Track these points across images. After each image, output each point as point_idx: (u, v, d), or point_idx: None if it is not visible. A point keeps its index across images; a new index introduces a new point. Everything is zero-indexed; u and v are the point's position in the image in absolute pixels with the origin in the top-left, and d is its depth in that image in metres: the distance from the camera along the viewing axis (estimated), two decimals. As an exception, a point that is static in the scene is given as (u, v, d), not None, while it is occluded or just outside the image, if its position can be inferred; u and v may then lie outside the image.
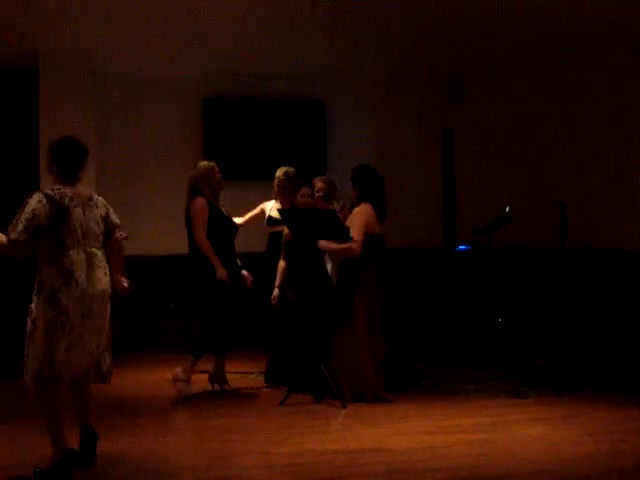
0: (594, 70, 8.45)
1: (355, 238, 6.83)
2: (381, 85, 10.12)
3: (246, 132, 9.65)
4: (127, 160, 9.47)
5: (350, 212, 7.17)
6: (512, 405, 6.77)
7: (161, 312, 9.38)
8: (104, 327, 5.18)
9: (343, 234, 6.88)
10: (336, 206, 7.36)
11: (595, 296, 8.05)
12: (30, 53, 8.79)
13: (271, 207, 7.76)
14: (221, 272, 6.85)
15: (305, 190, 7.39)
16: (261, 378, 7.62)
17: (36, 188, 8.70)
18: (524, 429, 6.10)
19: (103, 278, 5.09)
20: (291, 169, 7.70)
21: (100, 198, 5.22)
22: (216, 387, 7.28)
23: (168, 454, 5.59)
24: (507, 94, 9.64)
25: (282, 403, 6.75)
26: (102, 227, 5.13)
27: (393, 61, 9.73)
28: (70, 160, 5.11)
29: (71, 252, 4.94)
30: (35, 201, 4.96)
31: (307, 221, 6.95)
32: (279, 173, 7.65)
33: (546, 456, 5.43)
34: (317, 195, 7.43)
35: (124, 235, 5.31)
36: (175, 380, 7.04)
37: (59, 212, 4.93)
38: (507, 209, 7.82)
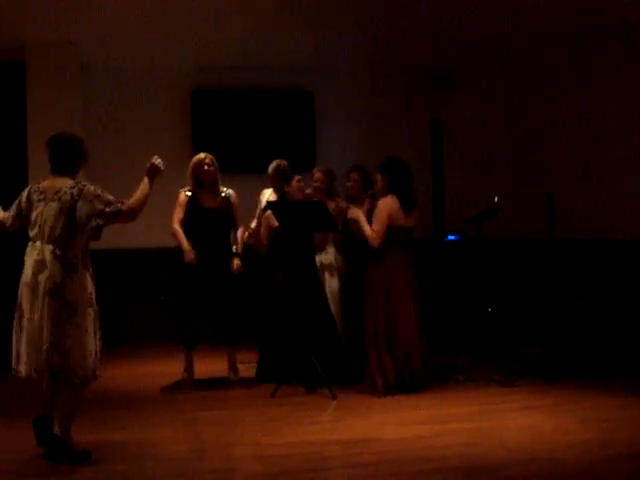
0: (582, 61, 8.45)
1: (375, 229, 6.80)
2: (370, 76, 10.11)
3: (235, 124, 9.63)
4: (115, 153, 9.44)
5: (372, 203, 7.17)
6: (502, 394, 6.80)
7: (150, 305, 9.36)
8: (46, 323, 5.06)
9: (332, 225, 6.89)
10: (343, 204, 7.34)
11: (583, 285, 8.08)
12: (16, 46, 8.74)
13: (268, 196, 7.76)
14: (188, 255, 7.00)
15: (300, 176, 7.45)
16: (253, 368, 7.58)
17: (24, 182, 8.81)
18: (514, 418, 6.13)
19: (41, 275, 5.08)
20: (282, 163, 7.69)
21: (72, 190, 5.18)
22: (232, 376, 7.35)
23: (159, 446, 5.60)
24: (496, 84, 9.64)
25: (273, 395, 6.76)
26: (64, 220, 5.13)
27: (382, 52, 9.71)
28: (51, 155, 5.33)
29: (30, 243, 5.20)
30: (22, 194, 5.38)
31: (296, 212, 6.96)
32: (269, 168, 7.69)
33: (536, 444, 5.46)
34: (315, 185, 7.42)
35: (112, 215, 5.26)
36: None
37: (27, 206, 5.28)
38: (495, 199, 7.84)
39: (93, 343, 5.20)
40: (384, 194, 6.93)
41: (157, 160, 5.52)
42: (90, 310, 5.21)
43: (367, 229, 6.86)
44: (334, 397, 6.65)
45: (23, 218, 5.32)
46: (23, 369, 5.16)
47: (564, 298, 7.70)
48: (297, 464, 5.13)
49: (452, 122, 9.81)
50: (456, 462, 5.13)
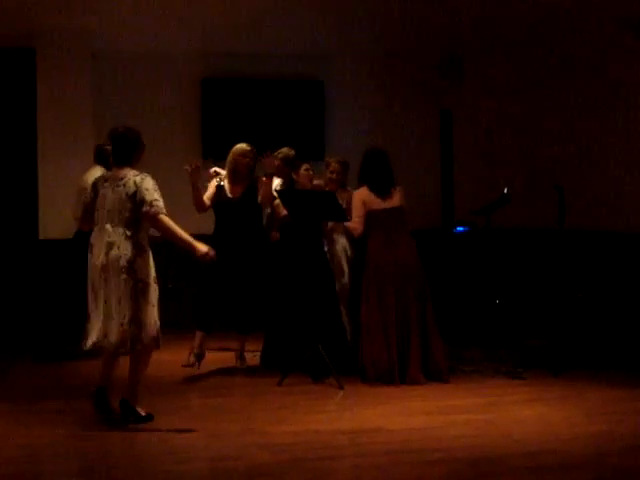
0: (595, 50, 8.41)
1: (351, 219, 7.01)
2: (380, 66, 10.08)
3: (244, 113, 9.62)
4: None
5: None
6: (509, 386, 6.80)
7: (159, 292, 9.37)
8: (121, 299, 5.55)
9: (341, 215, 6.92)
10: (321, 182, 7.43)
11: (592, 278, 8.06)
12: (27, 32, 8.75)
13: (276, 185, 7.73)
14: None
15: (308, 165, 7.44)
16: (255, 356, 7.59)
17: (34, 169, 8.85)
18: (521, 410, 6.13)
19: (111, 254, 5.55)
20: (287, 152, 7.64)
21: (135, 178, 5.64)
22: (239, 365, 7.39)
23: (165, 434, 5.61)
24: (506, 75, 9.60)
25: (280, 383, 6.76)
26: (129, 204, 5.58)
27: (392, 42, 9.69)
28: (112, 148, 5.86)
29: (95, 227, 5.69)
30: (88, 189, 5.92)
31: (305, 202, 6.96)
32: (275, 158, 7.63)
33: (542, 436, 5.46)
34: (330, 176, 7.43)
35: (150, 211, 5.58)
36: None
37: (93, 196, 5.75)
38: (506, 190, 7.82)
39: (157, 316, 5.70)
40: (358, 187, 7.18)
41: (210, 254, 5.78)
42: (155, 286, 5.72)
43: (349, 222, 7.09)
44: (341, 387, 6.65)
45: (91, 211, 5.77)
46: (91, 341, 5.65)
47: (572, 290, 7.69)
48: (304, 453, 5.14)
49: (462, 113, 9.78)
50: (463, 453, 5.13)
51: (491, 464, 4.97)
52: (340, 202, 6.98)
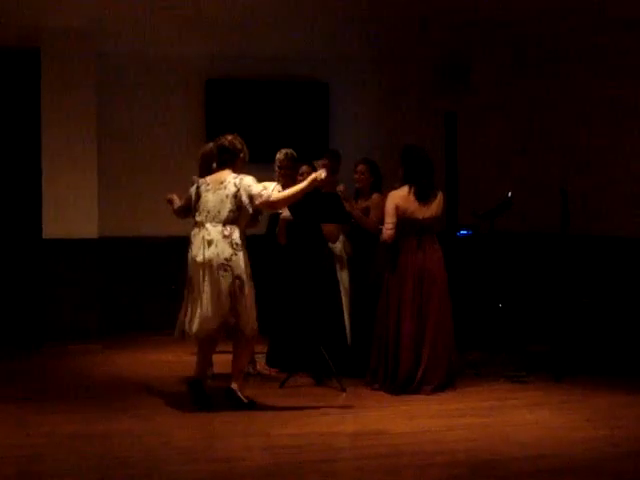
0: (600, 54, 8.41)
1: (385, 222, 6.73)
2: (385, 68, 10.08)
3: (249, 114, 9.62)
4: (129, 140, 9.45)
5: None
6: (511, 390, 6.80)
7: (163, 293, 9.39)
8: (221, 294, 6.00)
9: (345, 217, 6.87)
10: (341, 187, 7.31)
11: (596, 282, 8.06)
12: (32, 32, 8.75)
13: (272, 188, 7.70)
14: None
15: (305, 169, 7.38)
16: (263, 360, 7.59)
17: (37, 168, 8.86)
18: (523, 414, 6.13)
19: (209, 251, 6.02)
20: (290, 150, 7.63)
21: (234, 180, 6.15)
22: (250, 370, 7.25)
23: (168, 435, 5.62)
24: (511, 78, 9.60)
25: (282, 385, 6.77)
26: (229, 205, 6.09)
27: (397, 44, 9.69)
28: (218, 154, 6.34)
29: (195, 228, 6.18)
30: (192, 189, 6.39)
31: (309, 203, 6.93)
32: (280, 155, 7.56)
33: (544, 441, 5.46)
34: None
35: (263, 200, 6.09)
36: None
37: (197, 195, 6.26)
38: (509, 194, 7.81)
39: (255, 309, 6.15)
40: (401, 185, 6.86)
41: (322, 175, 6.13)
42: (251, 283, 6.14)
43: (367, 222, 6.98)
44: (343, 389, 6.66)
45: (190, 209, 6.33)
46: (193, 330, 6.08)
47: (576, 295, 7.68)
48: (306, 455, 5.15)
49: (466, 115, 9.78)
50: (465, 456, 5.14)
51: (492, 468, 4.97)
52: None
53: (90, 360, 8.12)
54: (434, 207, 6.80)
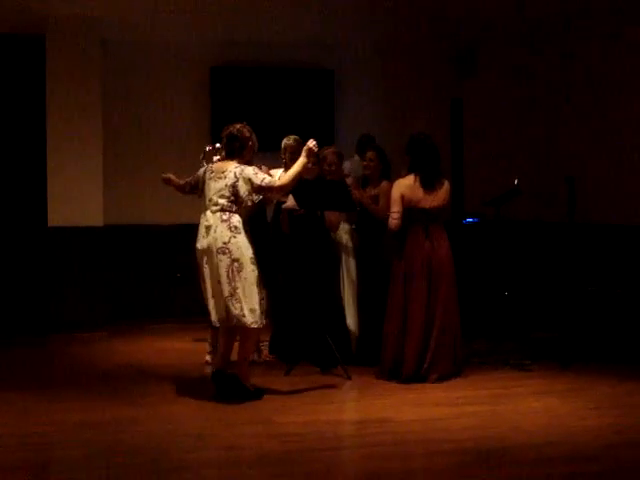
0: (607, 43, 8.36)
1: (390, 211, 6.71)
2: (390, 55, 10.04)
3: (254, 101, 9.60)
4: (134, 128, 9.45)
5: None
6: (517, 378, 6.80)
7: (168, 281, 9.40)
8: (220, 279, 6.01)
9: (350, 205, 6.86)
10: (349, 180, 7.29)
11: (602, 270, 8.04)
12: (37, 19, 8.73)
13: (279, 176, 7.68)
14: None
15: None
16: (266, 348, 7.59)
17: (43, 155, 8.86)
18: (529, 402, 6.12)
19: (209, 237, 6.07)
20: (297, 137, 7.60)
21: (235, 170, 6.16)
22: (256, 358, 7.21)
23: (174, 422, 5.64)
24: (517, 65, 9.56)
25: (287, 373, 6.77)
26: (227, 193, 6.12)
27: (403, 30, 9.65)
28: (226, 143, 6.35)
29: (202, 214, 6.22)
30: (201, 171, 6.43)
31: (314, 191, 6.92)
32: (289, 140, 7.51)
33: (550, 429, 5.46)
34: (328, 169, 7.32)
35: (266, 190, 6.17)
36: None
37: (202, 182, 6.32)
38: (516, 182, 7.78)
39: (258, 296, 6.09)
40: (407, 174, 6.83)
41: (312, 143, 6.25)
42: (254, 267, 6.10)
43: (377, 210, 6.94)
44: (348, 377, 6.65)
45: (196, 188, 6.39)
46: (213, 319, 6.17)
47: (582, 283, 7.66)
48: (312, 443, 5.15)
49: (473, 102, 9.74)
50: (471, 444, 5.14)
51: (498, 455, 4.97)
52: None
53: (96, 348, 8.14)
54: (440, 196, 6.77)
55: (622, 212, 8.09)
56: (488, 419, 5.66)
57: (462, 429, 5.43)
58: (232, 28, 9.28)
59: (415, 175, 6.76)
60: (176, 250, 9.21)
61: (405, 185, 6.73)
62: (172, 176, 6.58)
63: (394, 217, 6.69)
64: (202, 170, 6.43)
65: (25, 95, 9.27)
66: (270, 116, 9.48)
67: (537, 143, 9.31)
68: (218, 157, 6.66)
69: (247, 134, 6.36)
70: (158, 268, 9.45)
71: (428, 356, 6.63)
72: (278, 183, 6.24)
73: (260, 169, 6.81)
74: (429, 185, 6.73)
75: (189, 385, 6.54)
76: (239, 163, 6.25)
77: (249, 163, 6.87)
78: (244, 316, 6.02)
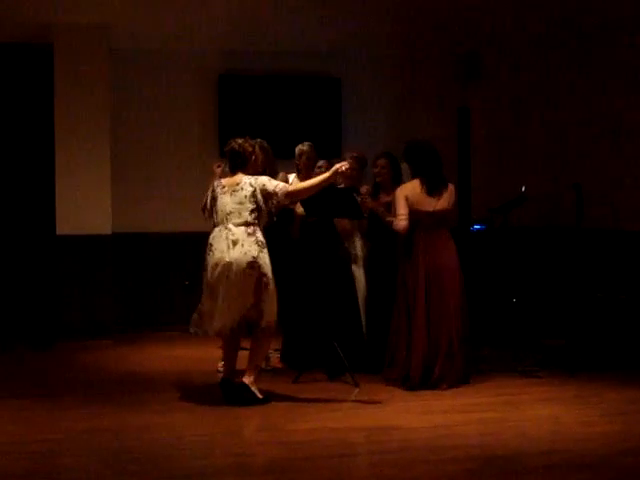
0: (615, 49, 8.36)
1: (397, 214, 6.72)
2: (397, 63, 10.05)
3: (261, 109, 9.62)
4: (142, 136, 9.47)
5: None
6: (525, 385, 6.78)
7: (176, 289, 9.41)
8: (245, 292, 6.07)
9: (358, 213, 6.86)
10: (364, 189, 7.31)
11: (610, 277, 8.02)
12: (45, 28, 8.78)
13: (292, 181, 7.70)
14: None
15: (322, 163, 7.39)
16: (277, 355, 7.58)
17: (51, 164, 8.89)
18: (536, 409, 6.11)
19: (236, 251, 6.09)
20: (310, 143, 7.64)
21: (249, 180, 6.23)
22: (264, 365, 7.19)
23: (182, 430, 5.64)
24: (524, 72, 9.56)
25: (295, 381, 6.77)
26: (249, 205, 6.17)
27: (410, 39, 9.67)
28: (228, 157, 6.39)
29: (216, 228, 6.25)
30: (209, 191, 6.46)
31: (322, 198, 6.92)
32: (304, 147, 7.54)
33: (558, 436, 5.45)
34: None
35: (279, 196, 6.18)
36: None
37: (212, 198, 6.35)
38: (523, 188, 7.78)
39: (276, 306, 6.24)
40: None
41: (345, 167, 6.18)
42: (274, 279, 6.23)
43: (387, 217, 6.89)
44: (356, 384, 6.65)
45: (208, 210, 6.42)
46: (214, 328, 6.20)
47: (590, 289, 7.65)
48: (319, 450, 5.15)
49: (479, 110, 9.75)
50: (478, 451, 5.13)
51: (506, 463, 4.96)
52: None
53: (103, 356, 8.15)
54: (445, 199, 6.77)
55: (630, 218, 8.07)
56: (495, 426, 5.64)
57: (469, 436, 5.42)
58: (240, 36, 9.31)
59: (419, 180, 6.77)
60: (184, 258, 9.24)
61: (409, 188, 6.77)
62: (218, 171, 6.61)
63: (400, 219, 6.69)
64: (209, 191, 6.42)
65: (33, 104, 9.32)
66: (277, 124, 9.50)
67: (544, 150, 9.30)
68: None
69: (249, 149, 6.39)
70: (166, 276, 9.47)
71: (438, 365, 6.61)
72: (291, 189, 6.29)
73: (278, 175, 6.92)
74: (433, 189, 6.75)
75: (197, 392, 6.55)
76: (245, 175, 6.29)
77: (273, 173, 6.99)
78: (261, 323, 6.11)
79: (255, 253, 6.10)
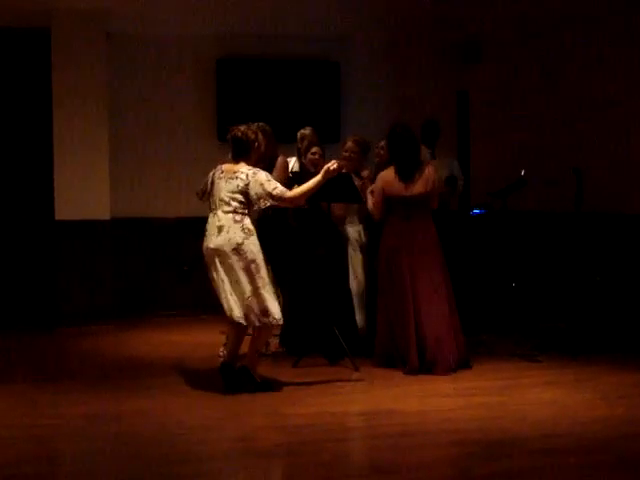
0: (613, 36, 8.32)
1: (371, 202, 6.88)
2: (396, 47, 10.01)
3: (259, 93, 9.58)
4: (140, 121, 9.43)
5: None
6: (525, 369, 6.78)
7: (175, 274, 9.39)
8: (238, 278, 6.02)
9: (356, 197, 6.86)
10: (365, 173, 7.31)
11: (609, 261, 8.01)
12: (43, 13, 8.73)
13: (292, 166, 7.68)
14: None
15: (317, 149, 7.37)
16: (277, 340, 7.57)
17: (49, 149, 8.86)
18: (537, 393, 6.11)
19: (220, 237, 6.04)
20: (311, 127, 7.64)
21: (248, 172, 6.14)
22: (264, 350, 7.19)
23: (182, 414, 5.63)
24: (523, 56, 9.52)
25: (295, 365, 6.77)
26: (238, 195, 6.11)
27: (409, 22, 9.63)
28: (232, 145, 6.31)
29: (210, 214, 6.22)
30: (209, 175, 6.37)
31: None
32: (307, 131, 7.54)
33: (559, 419, 5.45)
34: (344, 155, 7.34)
35: (276, 199, 6.09)
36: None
37: (212, 182, 6.28)
38: (522, 172, 7.76)
39: (274, 294, 6.19)
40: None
41: (334, 166, 6.15)
42: (267, 267, 6.16)
43: (369, 203, 6.96)
44: (356, 368, 6.65)
45: (207, 193, 6.32)
46: (238, 314, 6.07)
47: (589, 273, 7.64)
48: (319, 434, 5.14)
49: (478, 94, 9.72)
50: (478, 435, 5.12)
51: (506, 446, 4.96)
52: (356, 184, 6.92)
53: (103, 341, 8.15)
54: (420, 184, 6.81)
55: (629, 202, 8.05)
56: (496, 410, 5.65)
57: (470, 420, 5.41)
58: (238, 20, 9.27)
59: (394, 166, 6.88)
60: (183, 243, 9.21)
61: (385, 176, 6.89)
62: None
63: (372, 205, 6.88)
64: (211, 173, 6.36)
65: (31, 88, 9.28)
66: (276, 108, 9.46)
67: (544, 134, 9.27)
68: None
69: (252, 136, 6.31)
70: (165, 261, 9.45)
71: (427, 351, 6.61)
72: (289, 195, 6.16)
73: (277, 160, 6.90)
74: (406, 175, 6.82)
75: (196, 377, 6.54)
76: (247, 164, 6.23)
77: (273, 157, 6.94)
78: (268, 314, 6.05)
79: (240, 240, 6.02)
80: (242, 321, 6.05)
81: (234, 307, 6.05)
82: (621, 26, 8.22)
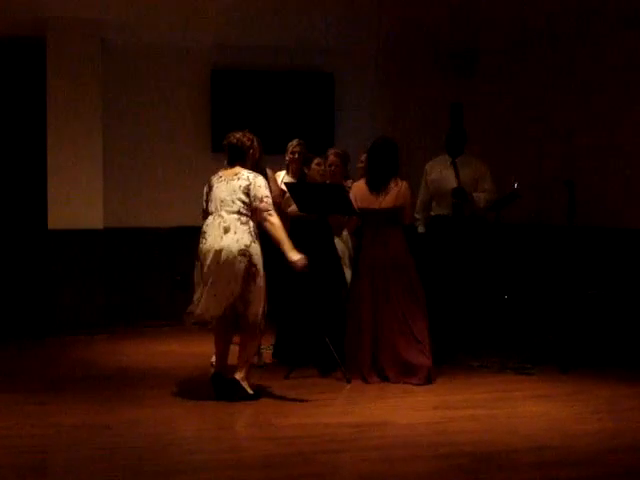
0: (609, 48, 8.37)
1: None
2: (390, 58, 10.05)
3: (254, 104, 9.61)
4: (134, 131, 9.45)
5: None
6: (516, 381, 6.80)
7: (168, 284, 9.39)
8: (233, 279, 6.02)
9: (350, 209, 6.88)
10: (349, 183, 7.36)
11: (602, 274, 8.04)
12: (38, 22, 8.74)
13: (282, 178, 7.71)
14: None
15: (320, 159, 7.43)
16: (270, 351, 7.57)
17: (43, 158, 8.87)
18: (528, 405, 6.12)
19: (228, 237, 6.03)
20: (302, 141, 7.69)
21: (248, 174, 6.22)
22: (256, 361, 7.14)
23: (174, 425, 5.64)
24: (517, 68, 9.56)
25: (287, 376, 6.77)
26: (241, 195, 6.15)
27: (403, 34, 9.66)
28: (228, 151, 6.38)
29: (210, 217, 6.21)
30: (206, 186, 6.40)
31: (315, 195, 6.94)
32: (294, 143, 7.63)
33: (549, 432, 5.46)
34: (330, 169, 7.41)
35: (261, 206, 6.14)
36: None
37: (209, 188, 6.30)
38: (515, 185, 7.78)
39: (264, 301, 6.19)
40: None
41: (301, 263, 6.17)
42: (264, 273, 6.18)
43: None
44: (348, 380, 6.65)
45: (206, 202, 6.32)
46: (199, 310, 6.15)
47: (582, 287, 7.66)
48: (310, 446, 5.15)
49: (472, 106, 9.75)
50: (469, 448, 5.13)
51: (497, 459, 4.97)
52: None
53: (95, 350, 8.14)
54: (391, 197, 6.85)
55: (621, 216, 8.08)
56: (486, 423, 5.66)
57: (459, 432, 5.42)
58: (233, 31, 9.28)
59: (365, 178, 7.02)
60: (176, 253, 9.22)
61: (357, 187, 7.01)
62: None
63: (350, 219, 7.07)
64: (206, 186, 6.36)
65: (25, 97, 9.28)
66: (270, 119, 9.49)
67: (537, 147, 9.31)
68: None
69: (247, 143, 6.38)
70: (158, 271, 9.45)
71: (380, 358, 6.71)
72: (270, 218, 6.14)
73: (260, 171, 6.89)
74: (374, 187, 6.91)
75: (189, 387, 6.54)
76: (243, 169, 6.29)
77: (262, 169, 6.99)
78: (248, 315, 6.09)
79: (247, 242, 6.06)
80: (213, 319, 6.11)
81: (211, 307, 6.08)
82: (618, 40, 8.26)
